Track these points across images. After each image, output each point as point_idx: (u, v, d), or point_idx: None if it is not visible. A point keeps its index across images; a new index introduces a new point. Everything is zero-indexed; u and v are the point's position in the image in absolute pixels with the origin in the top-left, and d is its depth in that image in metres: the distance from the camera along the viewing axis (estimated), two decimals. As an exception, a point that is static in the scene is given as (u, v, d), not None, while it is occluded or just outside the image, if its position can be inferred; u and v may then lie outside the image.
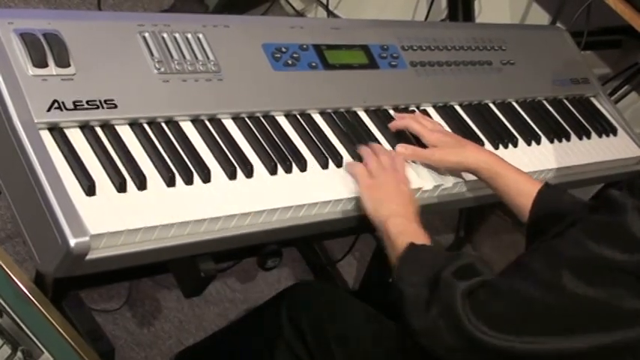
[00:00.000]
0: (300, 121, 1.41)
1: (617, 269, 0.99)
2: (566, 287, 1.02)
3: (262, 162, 1.30)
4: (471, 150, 1.44)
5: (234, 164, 1.26)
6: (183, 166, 1.22)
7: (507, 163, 1.42)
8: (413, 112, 1.56)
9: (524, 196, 1.37)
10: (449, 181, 1.45)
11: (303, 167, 1.33)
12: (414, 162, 1.45)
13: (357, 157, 1.40)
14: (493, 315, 1.06)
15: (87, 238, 1.05)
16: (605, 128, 1.83)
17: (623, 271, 0.99)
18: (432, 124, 1.51)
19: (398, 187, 1.34)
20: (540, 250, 1.09)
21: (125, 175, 1.16)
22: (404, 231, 1.25)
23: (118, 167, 1.16)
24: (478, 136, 1.60)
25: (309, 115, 1.43)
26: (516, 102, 1.75)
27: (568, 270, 1.02)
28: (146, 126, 1.24)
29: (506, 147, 1.62)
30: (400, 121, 1.50)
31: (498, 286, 1.08)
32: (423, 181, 1.42)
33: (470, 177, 1.47)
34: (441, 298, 1.10)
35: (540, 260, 1.06)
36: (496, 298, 1.07)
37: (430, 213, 1.44)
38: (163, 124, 1.26)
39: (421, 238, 1.24)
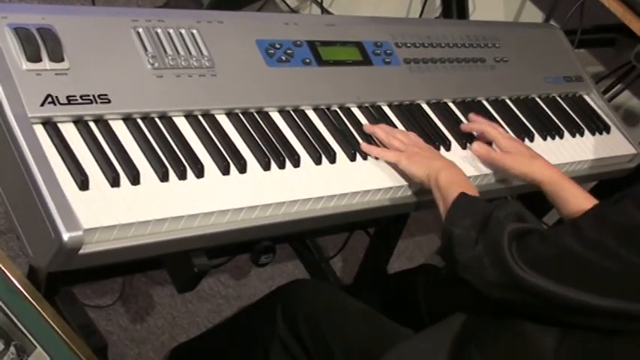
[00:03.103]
0: (293, 117, 1.41)
1: None
2: (609, 249, 1.08)
3: (256, 157, 1.30)
4: (541, 164, 1.50)
5: (228, 159, 1.27)
6: (176, 161, 1.22)
7: (571, 180, 1.48)
8: (408, 106, 1.57)
9: (581, 211, 1.41)
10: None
11: (296, 163, 1.33)
12: None
13: (350, 154, 1.40)
14: (537, 259, 1.13)
15: (80, 233, 1.05)
16: (598, 126, 1.83)
17: None
18: (503, 132, 1.59)
19: (432, 150, 1.45)
20: (591, 213, 1.15)
21: (118, 169, 1.16)
22: (456, 180, 1.34)
23: (111, 162, 1.16)
24: (471, 133, 1.60)
25: (303, 111, 1.43)
26: (509, 99, 1.75)
27: (612, 234, 1.09)
28: (140, 121, 1.24)
29: (499, 144, 1.62)
30: (476, 125, 1.60)
31: (546, 235, 1.15)
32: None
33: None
34: (489, 235, 1.17)
35: (589, 221, 1.13)
36: (543, 244, 1.14)
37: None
38: (157, 120, 1.26)
39: (469, 188, 1.32)
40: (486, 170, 1.53)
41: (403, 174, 1.42)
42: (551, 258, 1.13)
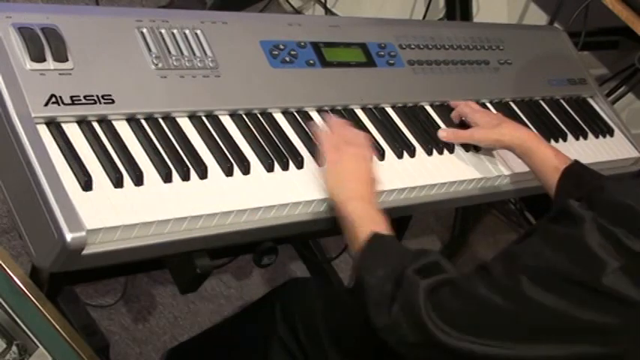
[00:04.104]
0: (297, 119, 1.41)
1: (573, 281, 0.98)
2: (525, 293, 1.01)
3: (259, 159, 1.30)
4: (507, 127, 1.48)
5: (231, 161, 1.26)
6: (180, 162, 1.22)
7: (543, 140, 1.46)
8: (412, 108, 1.57)
9: (553, 172, 1.41)
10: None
11: (299, 164, 1.33)
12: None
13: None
14: (453, 314, 1.06)
15: (83, 233, 1.05)
16: (602, 129, 1.83)
17: (579, 283, 0.97)
18: (477, 107, 1.59)
19: (360, 165, 1.32)
20: (501, 255, 1.08)
21: (122, 170, 1.16)
22: (364, 216, 1.24)
23: (114, 162, 1.16)
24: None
25: (307, 112, 1.43)
26: (513, 102, 1.75)
27: (526, 277, 1.01)
28: (143, 122, 1.24)
29: (502, 146, 1.62)
30: (455, 111, 1.58)
31: (459, 285, 1.08)
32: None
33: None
34: (404, 295, 1.10)
35: (500, 265, 1.05)
36: (456, 297, 1.06)
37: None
38: (160, 120, 1.26)
39: (381, 225, 1.23)
40: (488, 173, 1.53)
41: (409, 176, 1.41)
42: (467, 311, 1.05)
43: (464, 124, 1.57)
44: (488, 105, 1.70)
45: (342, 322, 1.37)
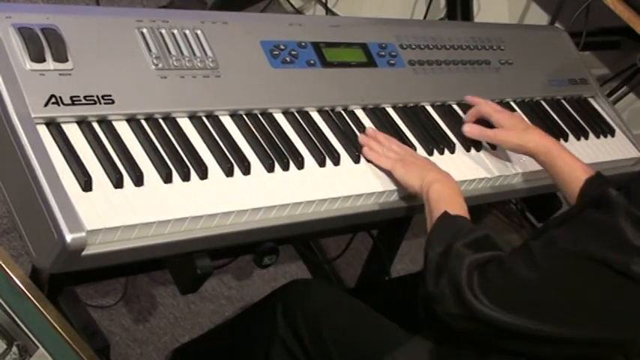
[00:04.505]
0: (297, 119, 1.41)
1: (606, 266, 1.03)
2: (561, 276, 1.07)
3: (259, 159, 1.30)
4: (533, 134, 1.49)
5: (232, 161, 1.26)
6: (180, 162, 1.21)
7: (566, 149, 1.47)
8: (413, 108, 1.56)
9: (575, 182, 1.41)
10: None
11: (300, 165, 1.33)
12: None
13: (354, 156, 1.40)
14: (497, 290, 1.12)
15: (83, 234, 1.05)
16: (603, 129, 1.83)
17: (612, 268, 1.03)
18: (500, 107, 1.57)
19: (428, 161, 1.42)
20: (543, 238, 1.12)
21: (122, 170, 1.16)
22: (445, 196, 1.32)
23: (114, 163, 1.16)
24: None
25: (307, 112, 1.43)
26: (514, 102, 1.75)
27: (563, 260, 1.07)
28: (143, 122, 1.24)
29: (503, 146, 1.62)
30: (474, 109, 1.57)
31: (504, 263, 1.13)
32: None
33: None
34: (449, 268, 1.16)
35: (541, 247, 1.10)
36: (500, 274, 1.12)
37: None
38: (161, 121, 1.26)
39: (456, 205, 1.30)
40: (489, 174, 1.53)
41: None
42: (508, 288, 1.12)
43: (484, 122, 1.56)
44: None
45: (346, 323, 1.37)
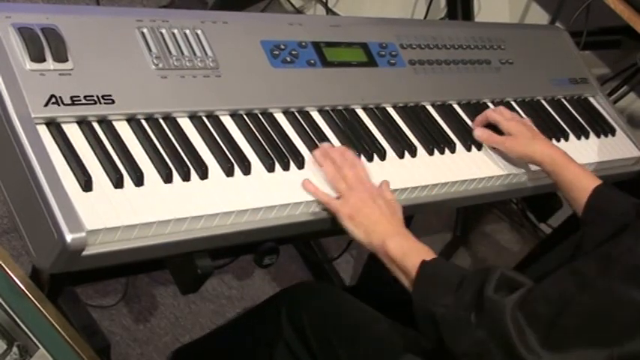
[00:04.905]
0: (298, 119, 1.40)
1: None
2: (620, 291, 1.02)
3: (260, 159, 1.30)
4: (540, 144, 1.50)
5: (232, 161, 1.26)
6: (180, 162, 1.21)
7: (572, 159, 1.47)
8: (413, 108, 1.56)
9: (581, 191, 1.42)
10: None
11: (300, 165, 1.33)
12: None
13: (357, 154, 1.40)
14: (545, 321, 1.05)
15: (83, 234, 1.05)
16: (604, 128, 1.83)
17: None
18: (510, 114, 1.58)
19: (375, 203, 1.29)
20: (593, 256, 1.08)
21: (122, 170, 1.15)
22: (407, 251, 1.24)
23: (115, 163, 1.16)
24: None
25: (308, 112, 1.43)
26: (515, 101, 1.75)
27: (620, 275, 1.02)
28: (144, 122, 1.24)
29: (504, 146, 1.62)
30: (484, 114, 1.58)
31: (548, 291, 1.07)
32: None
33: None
34: (488, 318, 1.08)
35: (593, 266, 1.06)
36: (548, 306, 1.05)
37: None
38: (161, 120, 1.26)
39: (425, 252, 1.23)
40: (490, 174, 1.53)
41: (411, 176, 1.41)
42: (558, 317, 1.04)
43: (492, 127, 1.58)
44: (490, 105, 1.70)
45: (353, 324, 1.37)
